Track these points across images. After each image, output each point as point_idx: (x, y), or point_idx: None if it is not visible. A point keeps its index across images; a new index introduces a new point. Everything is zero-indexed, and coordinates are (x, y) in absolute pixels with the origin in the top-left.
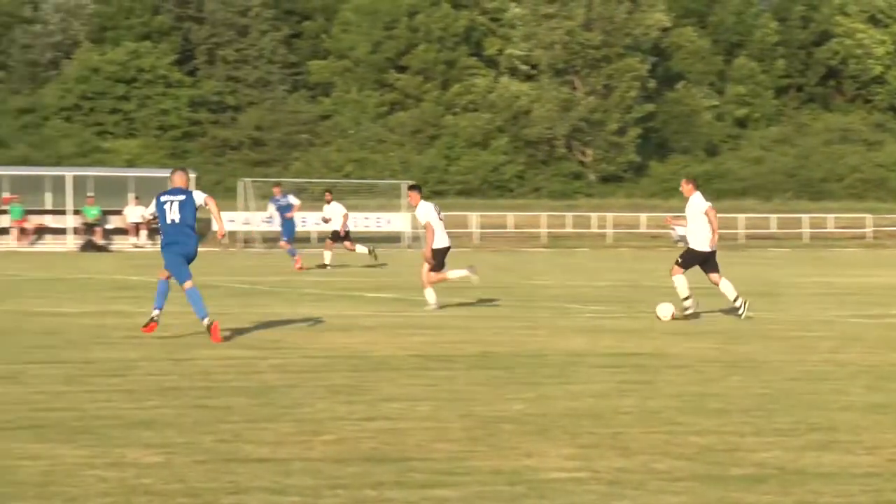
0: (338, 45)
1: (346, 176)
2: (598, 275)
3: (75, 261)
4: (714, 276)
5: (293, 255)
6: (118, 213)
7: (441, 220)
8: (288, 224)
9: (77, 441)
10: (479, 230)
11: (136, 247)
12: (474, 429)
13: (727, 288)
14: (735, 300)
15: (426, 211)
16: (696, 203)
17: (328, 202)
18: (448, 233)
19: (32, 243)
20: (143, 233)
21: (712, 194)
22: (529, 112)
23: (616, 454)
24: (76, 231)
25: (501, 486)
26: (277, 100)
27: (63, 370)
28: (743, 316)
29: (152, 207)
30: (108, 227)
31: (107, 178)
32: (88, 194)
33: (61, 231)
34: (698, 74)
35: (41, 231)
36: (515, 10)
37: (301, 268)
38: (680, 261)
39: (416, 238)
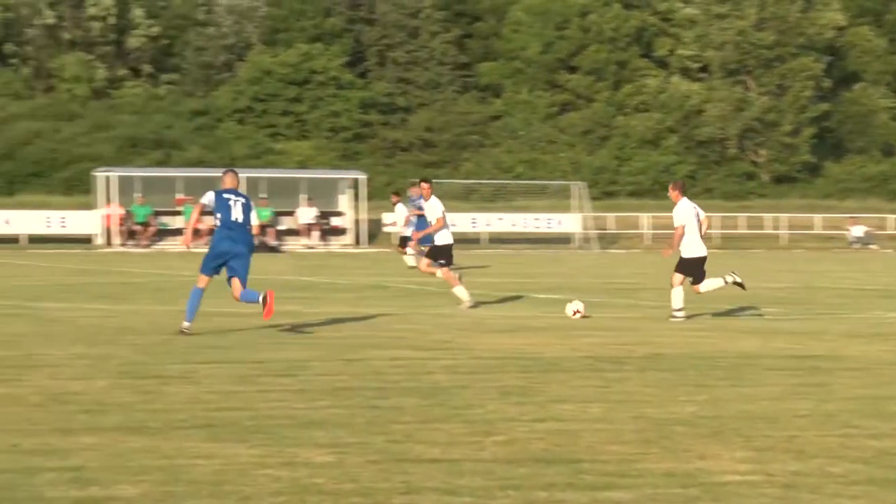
0: (508, 46)
1: (517, 177)
2: (772, 276)
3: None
4: (679, 278)
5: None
6: (290, 214)
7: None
8: (421, 224)
9: (250, 440)
10: (651, 231)
11: (308, 247)
12: (646, 431)
13: (678, 295)
14: (677, 310)
15: (439, 205)
16: (681, 211)
17: (395, 204)
18: (617, 234)
19: (206, 244)
20: (315, 233)
21: (888, 195)
22: (701, 112)
23: (791, 457)
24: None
25: (674, 489)
26: (448, 101)
27: (235, 370)
28: (671, 319)
29: (209, 201)
30: (280, 228)
31: (279, 179)
32: (261, 196)
33: None
34: (875, 74)
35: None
36: (686, 10)
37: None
38: (692, 280)
39: (586, 239)
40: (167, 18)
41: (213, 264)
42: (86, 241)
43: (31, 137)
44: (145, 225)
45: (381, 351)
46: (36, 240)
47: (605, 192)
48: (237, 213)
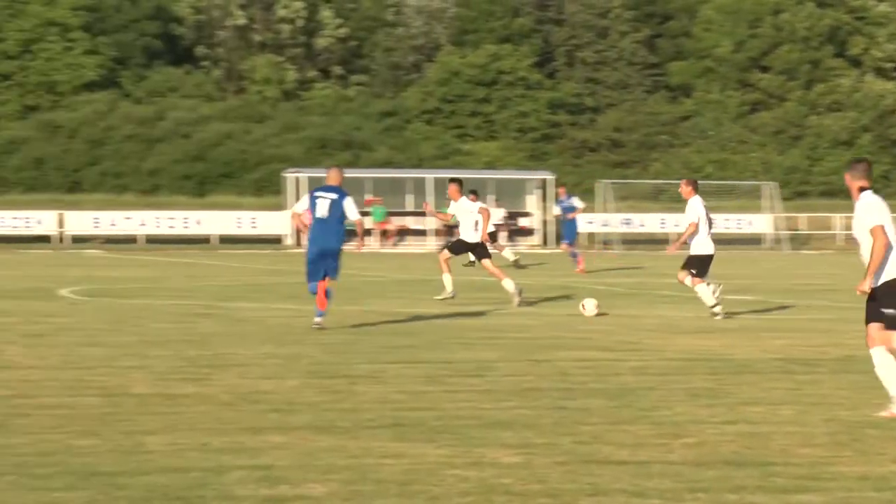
0: (699, 46)
1: (706, 177)
2: None
3: (435, 262)
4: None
5: (574, 257)
6: None
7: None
8: (570, 226)
9: (437, 440)
10: (844, 232)
11: (495, 248)
12: (839, 433)
13: (704, 291)
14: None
15: (469, 204)
16: (694, 208)
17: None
18: (809, 234)
19: (394, 244)
20: (503, 234)
21: None
22: (895, 112)
23: None
24: (437, 233)
25: (868, 493)
26: (637, 101)
27: (423, 370)
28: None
29: (305, 203)
30: None
31: (467, 179)
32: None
33: (422, 233)
34: None
35: (403, 232)
36: (880, 7)
37: (582, 270)
38: (694, 272)
39: (777, 240)
40: (356, 20)
41: (313, 272)
42: (275, 241)
43: (222, 139)
44: None
45: (568, 352)
46: (226, 240)
47: (796, 192)
48: (322, 211)
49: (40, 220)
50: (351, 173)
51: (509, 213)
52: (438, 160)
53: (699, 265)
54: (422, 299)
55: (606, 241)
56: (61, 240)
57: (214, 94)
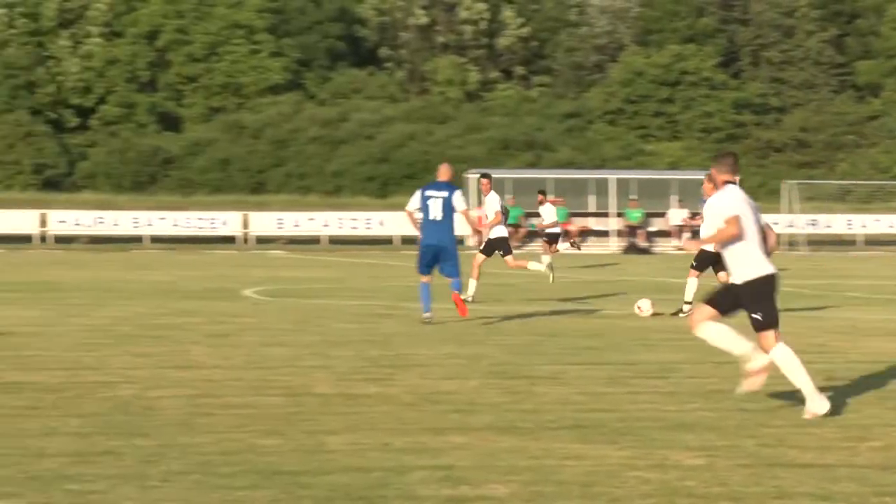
0: (888, 45)
1: (894, 178)
2: None
3: (618, 263)
4: (722, 274)
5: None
6: (661, 215)
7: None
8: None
9: (619, 442)
10: None
11: (679, 249)
12: None
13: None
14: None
15: (496, 200)
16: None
17: (541, 203)
18: None
19: (577, 246)
20: (686, 235)
21: None
22: None
23: None
24: (619, 233)
25: None
26: (823, 101)
27: (605, 371)
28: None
29: (416, 202)
30: (650, 229)
31: (650, 180)
32: (631, 197)
33: (604, 233)
34: None
35: (585, 233)
36: None
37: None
38: (695, 264)
39: None
40: (539, 20)
41: (424, 263)
42: (457, 242)
43: (405, 140)
44: (516, 226)
45: None
46: (409, 241)
47: None
48: (435, 212)
49: (225, 221)
50: (533, 174)
51: (692, 213)
52: (621, 161)
53: (705, 261)
54: (605, 301)
55: (792, 243)
56: (246, 240)
57: (398, 95)
